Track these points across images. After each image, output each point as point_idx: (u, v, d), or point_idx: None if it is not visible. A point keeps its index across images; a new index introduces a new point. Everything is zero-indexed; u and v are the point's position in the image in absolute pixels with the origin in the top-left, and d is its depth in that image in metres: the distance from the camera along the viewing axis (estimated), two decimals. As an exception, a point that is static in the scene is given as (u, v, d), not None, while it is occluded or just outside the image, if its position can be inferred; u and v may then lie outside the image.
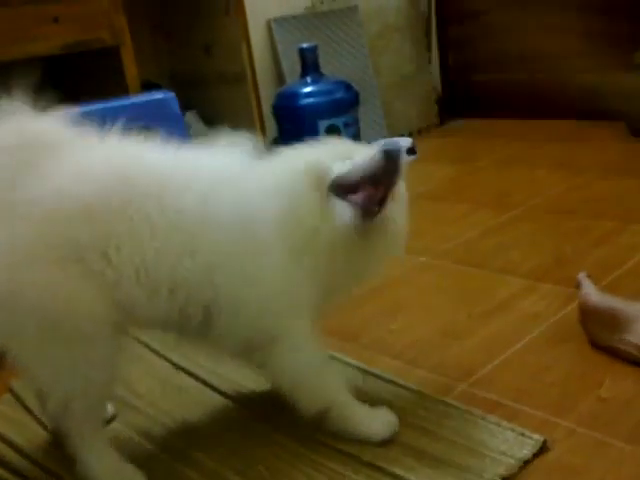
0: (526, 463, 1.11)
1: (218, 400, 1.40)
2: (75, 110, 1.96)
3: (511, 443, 1.15)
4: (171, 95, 2.07)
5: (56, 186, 1.04)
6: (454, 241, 2.13)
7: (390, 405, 1.28)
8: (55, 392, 1.09)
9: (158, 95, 2.11)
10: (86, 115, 1.99)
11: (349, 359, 1.49)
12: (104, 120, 1.98)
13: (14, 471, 1.26)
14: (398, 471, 1.12)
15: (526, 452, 1.12)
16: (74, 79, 2.51)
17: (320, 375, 1.20)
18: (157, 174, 1.11)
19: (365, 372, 1.44)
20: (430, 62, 3.79)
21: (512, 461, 1.10)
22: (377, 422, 1.21)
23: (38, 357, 1.06)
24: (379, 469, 1.13)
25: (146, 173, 1.11)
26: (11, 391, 1.53)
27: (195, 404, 1.39)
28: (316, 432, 1.23)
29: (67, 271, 1.03)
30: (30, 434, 1.36)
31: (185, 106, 2.47)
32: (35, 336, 1.03)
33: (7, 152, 1.06)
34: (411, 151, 3.22)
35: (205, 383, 1.46)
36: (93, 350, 1.07)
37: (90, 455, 1.13)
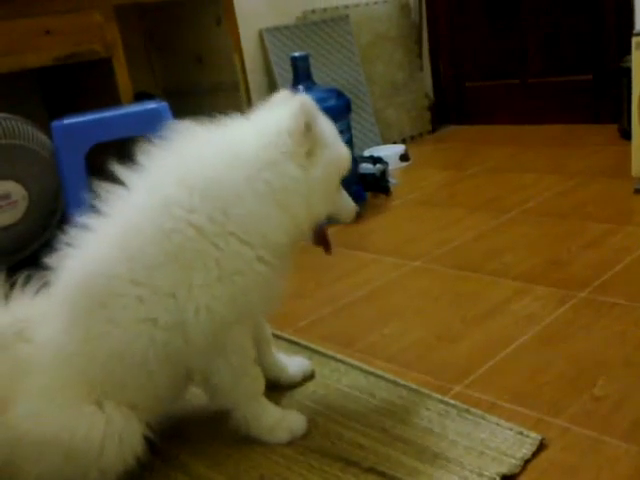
0: (526, 462, 1.11)
1: (211, 409, 1.40)
2: (68, 122, 1.98)
3: (510, 442, 1.16)
4: (164, 105, 2.09)
5: None
6: (447, 245, 2.14)
7: (392, 404, 1.30)
8: None
9: (151, 105, 2.12)
10: (80, 126, 2.01)
11: (351, 360, 1.50)
12: (98, 131, 2.00)
13: None
14: (399, 474, 1.12)
15: (525, 451, 1.13)
16: (67, 91, 2.52)
17: (235, 376, 1.22)
18: None
19: (367, 372, 1.45)
20: (422, 70, 3.82)
21: (513, 460, 1.11)
22: (276, 430, 1.26)
23: None
24: (381, 474, 1.13)
25: None
26: None
27: (187, 409, 1.40)
28: (315, 439, 1.24)
29: None
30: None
31: (179, 116, 2.48)
32: None
33: None
34: (404, 157, 3.24)
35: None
36: None
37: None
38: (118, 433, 1.13)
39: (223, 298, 1.12)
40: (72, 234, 1.16)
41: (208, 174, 1.13)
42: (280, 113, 1.17)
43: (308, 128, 1.14)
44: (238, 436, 1.27)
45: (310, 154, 1.16)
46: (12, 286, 1.21)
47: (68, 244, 1.16)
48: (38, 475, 1.13)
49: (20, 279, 1.22)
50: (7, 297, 1.20)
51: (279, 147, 1.14)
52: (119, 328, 1.12)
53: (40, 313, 1.20)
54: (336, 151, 1.22)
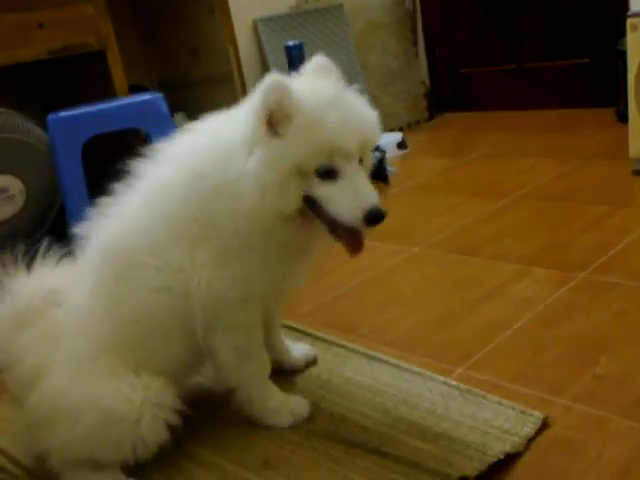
0: (530, 440, 1.12)
1: (215, 394, 1.40)
2: (64, 115, 1.98)
3: (513, 421, 1.16)
4: (159, 96, 2.08)
5: None
6: (446, 231, 2.14)
7: (395, 387, 1.31)
8: None
9: (146, 96, 2.11)
10: (75, 119, 2.00)
11: (353, 345, 1.51)
12: (94, 123, 1.99)
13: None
14: (403, 453, 1.13)
15: (528, 429, 1.14)
16: (62, 84, 2.51)
17: (239, 356, 1.23)
18: None
19: (370, 357, 1.45)
20: (417, 57, 3.81)
21: (516, 439, 1.12)
22: (280, 413, 1.27)
23: None
24: (384, 454, 1.14)
25: None
26: (9, 393, 1.52)
27: (191, 397, 1.39)
28: (318, 422, 1.25)
29: None
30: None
31: (175, 108, 2.48)
32: None
33: None
34: (401, 145, 3.24)
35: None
36: None
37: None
38: (154, 402, 1.16)
39: (225, 278, 1.14)
40: (102, 205, 1.21)
41: (196, 165, 1.15)
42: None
43: (265, 113, 1.06)
44: (242, 422, 1.27)
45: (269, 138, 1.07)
46: (33, 257, 1.25)
47: (97, 214, 1.20)
48: (70, 440, 1.15)
49: (41, 250, 1.26)
50: (29, 267, 1.24)
51: (242, 135, 1.11)
52: (140, 294, 1.17)
53: (68, 279, 1.25)
54: (300, 138, 1.06)
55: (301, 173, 1.08)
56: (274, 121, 1.07)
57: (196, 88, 3.03)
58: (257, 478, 1.14)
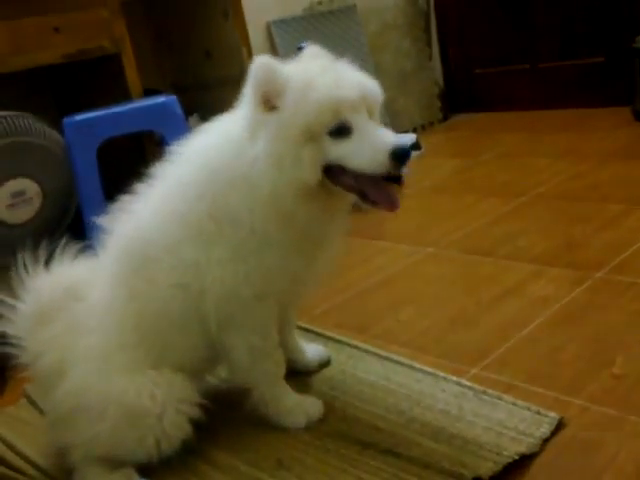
0: (545, 441, 1.11)
1: (229, 395, 1.40)
2: (79, 118, 1.99)
3: (528, 422, 1.15)
4: (172, 98, 2.09)
5: None
6: (461, 231, 2.13)
7: (408, 388, 1.30)
8: None
9: (160, 99, 2.12)
10: (90, 122, 2.01)
11: (366, 346, 1.50)
12: (108, 126, 2.00)
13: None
14: (416, 454, 1.12)
15: (544, 430, 1.13)
16: (78, 87, 2.53)
17: (253, 356, 1.23)
18: None
19: (383, 358, 1.45)
20: (431, 58, 3.79)
21: (532, 440, 1.11)
22: (294, 413, 1.27)
23: None
24: (398, 455, 1.13)
25: None
26: (26, 396, 1.54)
27: (204, 397, 1.39)
28: (332, 423, 1.25)
29: None
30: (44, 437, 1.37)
31: (188, 110, 2.49)
32: None
33: None
34: (416, 146, 3.23)
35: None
36: None
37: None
38: (177, 397, 1.17)
39: (239, 274, 1.14)
40: (123, 201, 1.22)
41: (209, 162, 1.16)
42: None
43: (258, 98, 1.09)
44: (256, 422, 1.27)
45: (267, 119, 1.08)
46: (51, 256, 1.27)
47: (119, 209, 1.22)
48: (94, 436, 1.16)
49: (58, 247, 1.27)
50: (48, 265, 1.26)
51: (242, 131, 1.12)
52: (156, 290, 1.18)
53: (88, 274, 1.26)
54: (294, 102, 1.07)
55: (312, 138, 1.07)
56: (270, 98, 1.08)
57: (210, 90, 3.04)
58: (270, 479, 1.14)
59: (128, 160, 2.30)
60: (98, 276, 1.26)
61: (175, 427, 1.17)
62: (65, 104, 2.54)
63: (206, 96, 3.04)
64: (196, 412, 1.20)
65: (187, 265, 1.16)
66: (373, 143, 1.07)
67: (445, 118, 3.81)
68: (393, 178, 2.88)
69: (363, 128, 1.08)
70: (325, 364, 1.47)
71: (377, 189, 1.10)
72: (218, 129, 1.19)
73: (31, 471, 1.29)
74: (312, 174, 1.08)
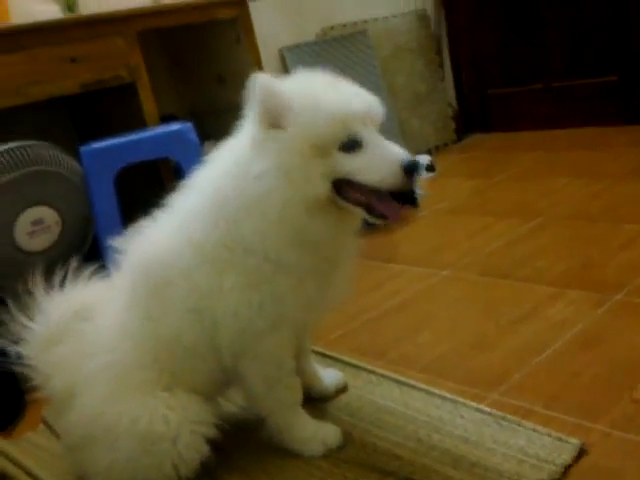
0: (567, 468, 1.09)
1: (246, 420, 1.40)
2: (96, 146, 2.02)
3: (549, 448, 1.14)
4: (188, 125, 2.11)
5: None
6: (477, 253, 2.12)
7: (427, 414, 1.29)
8: None
9: (176, 126, 2.14)
10: (107, 150, 2.04)
11: (383, 371, 1.50)
12: (125, 154, 2.03)
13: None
14: (434, 482, 1.11)
15: (565, 457, 1.11)
16: (96, 116, 2.57)
17: (268, 384, 1.22)
18: None
19: (401, 383, 1.44)
20: (444, 80, 3.81)
21: (553, 467, 1.09)
22: (311, 442, 1.25)
23: None
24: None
25: None
26: (44, 422, 1.55)
27: (220, 422, 1.39)
28: (350, 451, 1.24)
29: None
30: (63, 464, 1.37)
31: (204, 136, 2.51)
32: None
33: None
34: (430, 168, 3.23)
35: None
36: None
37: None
38: (191, 419, 1.17)
39: (253, 304, 1.14)
40: (141, 223, 1.23)
41: (218, 190, 1.16)
42: None
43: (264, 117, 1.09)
44: (273, 448, 1.26)
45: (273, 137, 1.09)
46: (65, 276, 1.29)
47: (133, 232, 1.23)
48: (110, 465, 1.15)
49: (72, 269, 1.29)
50: (62, 287, 1.27)
51: (248, 151, 1.13)
52: (172, 313, 1.18)
53: (100, 296, 1.27)
54: (303, 117, 1.08)
55: (322, 152, 1.08)
56: (273, 115, 1.08)
57: (223, 115, 3.07)
58: (287, 507, 1.13)
59: (144, 186, 2.32)
60: (111, 297, 1.26)
61: (191, 449, 1.17)
62: (85, 132, 2.58)
63: (221, 121, 3.06)
64: (212, 431, 1.19)
65: (202, 291, 1.16)
66: (384, 157, 1.09)
67: (459, 139, 3.82)
68: (409, 200, 2.87)
69: (373, 142, 1.10)
70: (342, 390, 1.46)
71: (384, 202, 1.11)
72: (224, 154, 1.20)
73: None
74: (322, 189, 1.09)
